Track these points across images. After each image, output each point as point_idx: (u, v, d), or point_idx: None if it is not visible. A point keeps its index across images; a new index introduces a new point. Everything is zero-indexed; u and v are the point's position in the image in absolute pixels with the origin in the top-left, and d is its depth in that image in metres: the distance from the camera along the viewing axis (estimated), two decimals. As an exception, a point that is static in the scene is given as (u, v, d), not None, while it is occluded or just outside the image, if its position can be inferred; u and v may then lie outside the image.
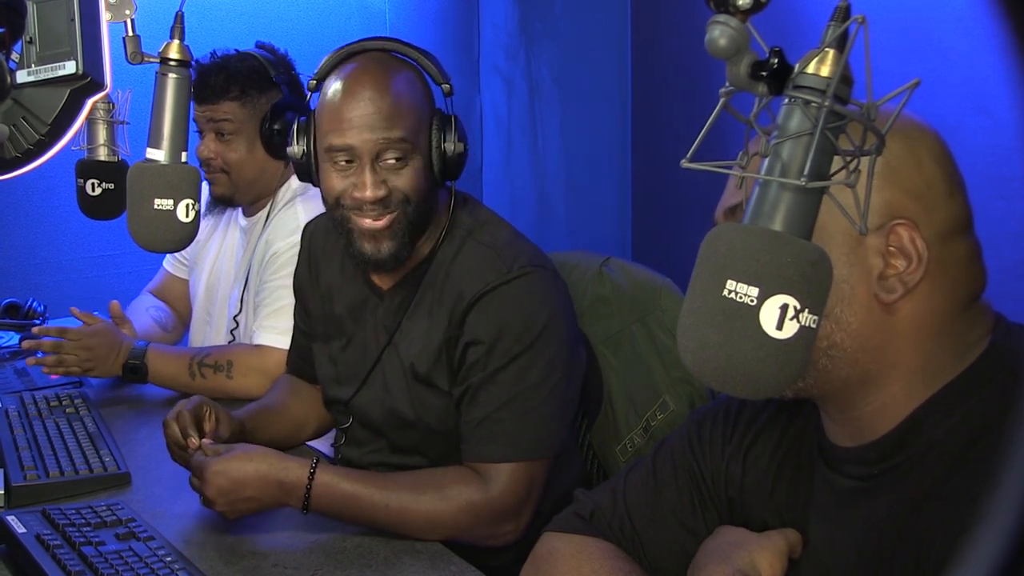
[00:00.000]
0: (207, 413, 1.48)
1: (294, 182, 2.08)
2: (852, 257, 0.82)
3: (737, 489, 1.00)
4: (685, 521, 1.03)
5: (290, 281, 1.94)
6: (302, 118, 1.47)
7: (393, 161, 1.40)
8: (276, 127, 1.96)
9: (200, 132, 2.04)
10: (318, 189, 2.08)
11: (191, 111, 2.00)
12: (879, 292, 0.81)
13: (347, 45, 1.47)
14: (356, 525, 1.37)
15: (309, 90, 1.48)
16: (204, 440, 1.40)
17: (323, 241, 1.68)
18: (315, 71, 1.47)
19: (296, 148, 1.46)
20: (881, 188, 0.81)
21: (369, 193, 1.39)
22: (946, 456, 0.80)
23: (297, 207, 2.04)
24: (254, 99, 2.01)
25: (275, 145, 1.99)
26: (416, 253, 1.49)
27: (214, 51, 2.03)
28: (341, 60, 1.45)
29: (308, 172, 1.49)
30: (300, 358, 1.75)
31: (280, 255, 2.00)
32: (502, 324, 1.41)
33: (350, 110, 1.39)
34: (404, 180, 1.41)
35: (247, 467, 1.33)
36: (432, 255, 1.49)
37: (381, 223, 1.42)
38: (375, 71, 1.42)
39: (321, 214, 1.68)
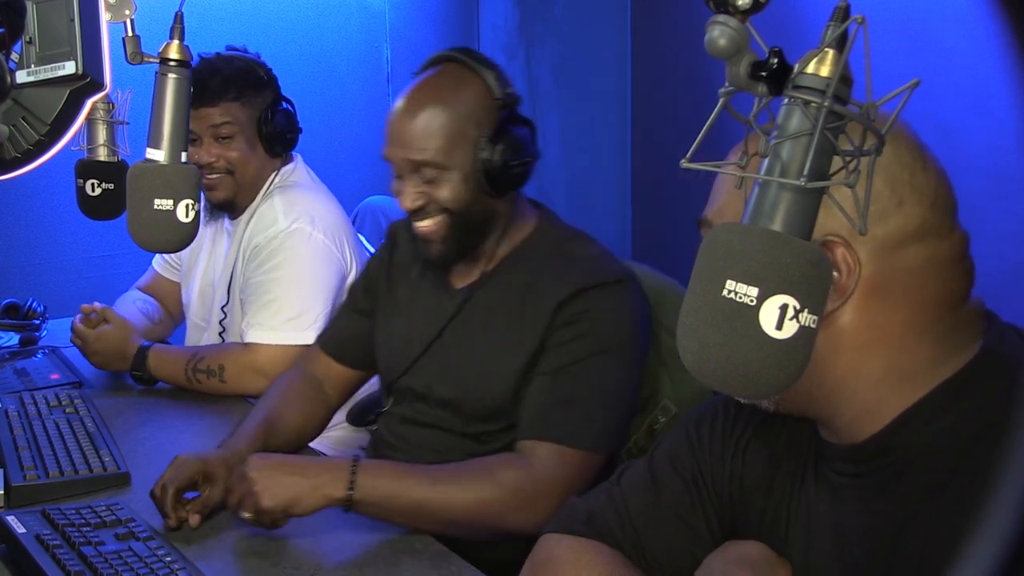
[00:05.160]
0: (199, 481, 1.39)
1: (275, 178, 2.09)
2: None
3: (738, 484, 1.00)
4: (685, 518, 1.03)
5: (274, 275, 1.95)
6: None
7: (432, 173, 1.47)
8: (274, 126, 2.01)
9: (193, 140, 1.98)
10: (295, 182, 2.12)
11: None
12: None
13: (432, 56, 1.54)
14: (399, 522, 1.35)
15: None
16: None
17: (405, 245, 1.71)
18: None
19: None
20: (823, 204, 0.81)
21: (407, 203, 1.49)
22: (941, 458, 0.80)
23: (275, 199, 2.05)
24: (251, 98, 2.01)
25: (274, 143, 2.01)
26: (485, 256, 1.56)
27: (200, 55, 2.00)
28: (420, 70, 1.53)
29: None
30: (337, 338, 1.77)
31: (261, 249, 2.00)
32: (601, 318, 1.45)
33: (391, 125, 1.49)
34: (443, 192, 1.47)
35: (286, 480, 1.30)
36: (509, 258, 1.56)
37: (425, 227, 1.50)
38: (423, 89, 1.48)
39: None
